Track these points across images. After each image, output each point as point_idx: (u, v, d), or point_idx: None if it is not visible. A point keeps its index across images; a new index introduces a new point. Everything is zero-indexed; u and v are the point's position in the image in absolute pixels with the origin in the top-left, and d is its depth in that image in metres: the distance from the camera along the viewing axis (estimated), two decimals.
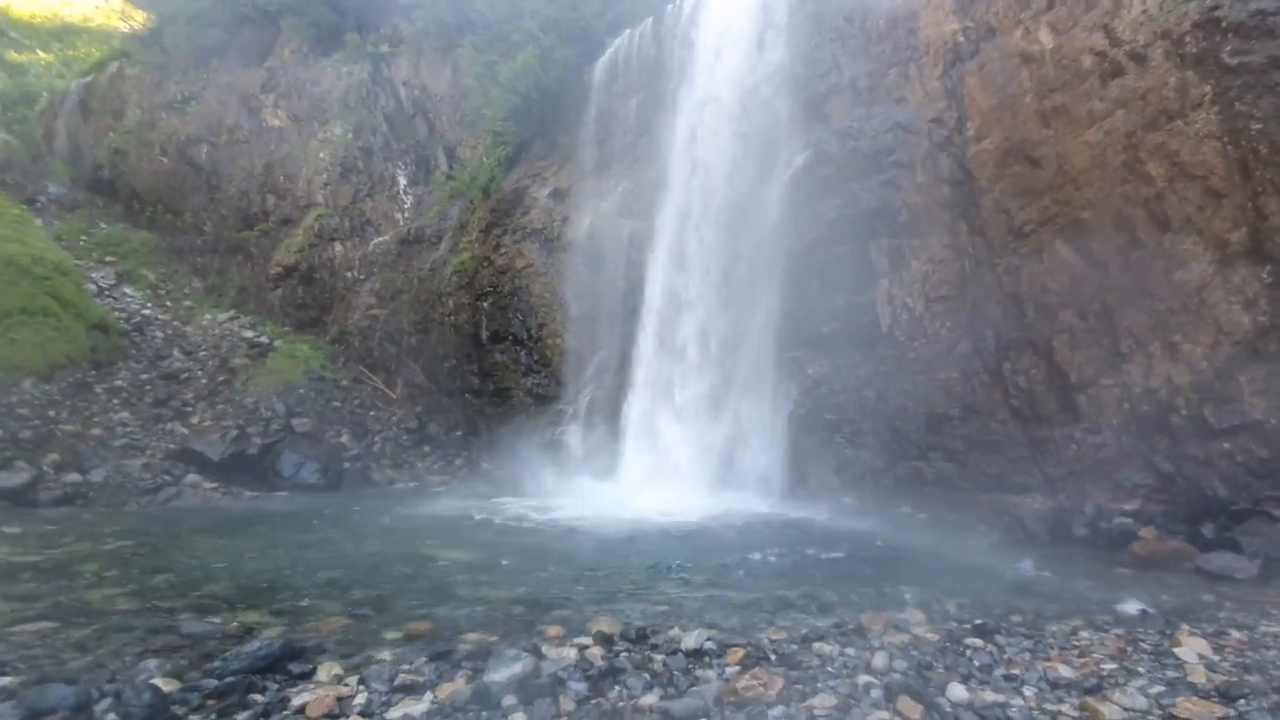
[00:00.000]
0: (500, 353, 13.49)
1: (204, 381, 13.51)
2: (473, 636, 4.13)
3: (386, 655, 3.81)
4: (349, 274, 16.37)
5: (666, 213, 11.28)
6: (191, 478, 10.77)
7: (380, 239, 16.41)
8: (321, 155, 17.12)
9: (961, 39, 9.27)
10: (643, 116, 12.45)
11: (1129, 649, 3.93)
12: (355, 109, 17.34)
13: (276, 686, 3.33)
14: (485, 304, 13.72)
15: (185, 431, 11.99)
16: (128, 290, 16.04)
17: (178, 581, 5.52)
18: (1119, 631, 4.22)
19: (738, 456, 9.72)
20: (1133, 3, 7.71)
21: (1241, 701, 3.17)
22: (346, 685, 3.35)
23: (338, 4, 18.03)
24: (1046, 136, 8.46)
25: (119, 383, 12.75)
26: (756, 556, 6.36)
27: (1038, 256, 8.54)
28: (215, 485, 10.73)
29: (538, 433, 12.22)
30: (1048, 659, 3.79)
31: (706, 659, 3.74)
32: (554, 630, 4.21)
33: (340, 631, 4.29)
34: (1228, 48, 6.99)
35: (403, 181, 17.10)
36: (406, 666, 3.58)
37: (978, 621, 4.38)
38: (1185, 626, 4.22)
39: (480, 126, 15.67)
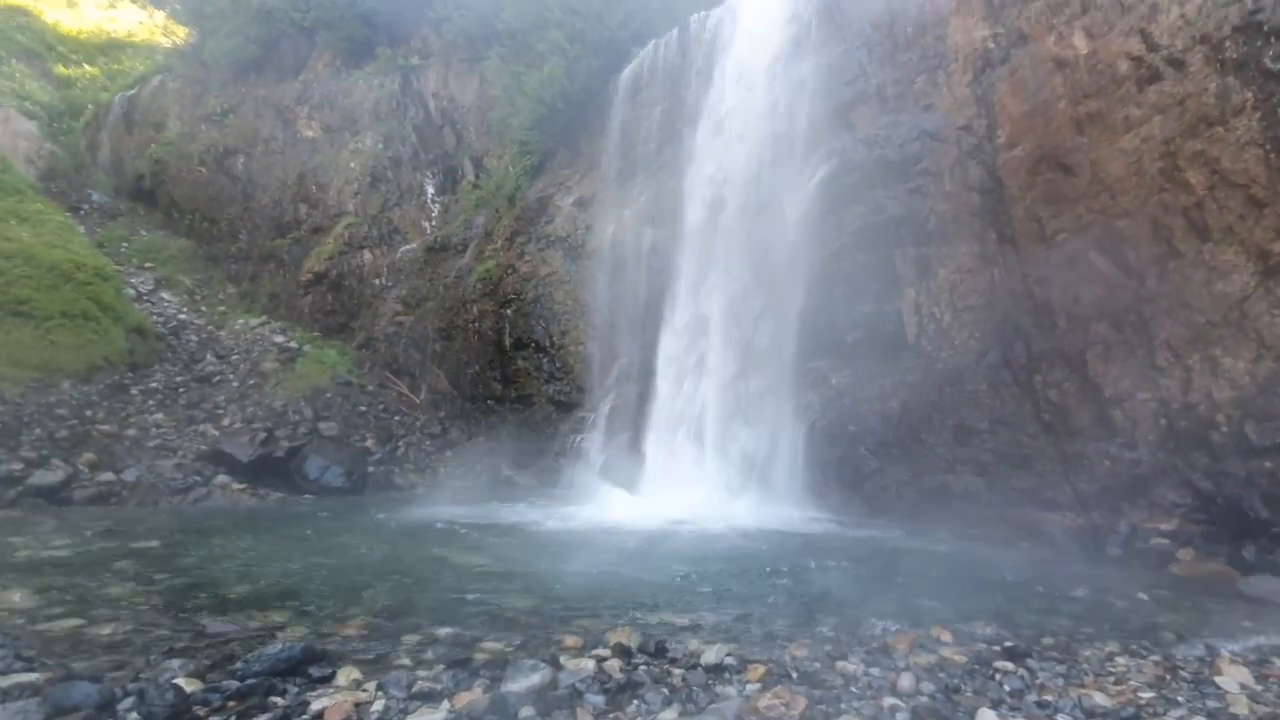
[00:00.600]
0: (523, 359, 13.56)
1: (235, 385, 13.82)
2: (491, 645, 4.12)
3: (405, 661, 3.82)
4: (377, 281, 16.65)
5: (690, 221, 11.26)
6: (221, 478, 10.99)
7: (408, 247, 16.67)
8: (352, 165, 17.48)
9: (992, 45, 9.12)
10: (667, 125, 12.47)
11: (1168, 676, 3.77)
12: (385, 120, 17.68)
13: (296, 690, 3.35)
14: (509, 311, 13.82)
15: (216, 433, 12.25)
16: (165, 295, 16.52)
17: (204, 581, 5.62)
18: (1157, 658, 4.05)
19: (760, 467, 9.61)
20: (1170, 7, 7.50)
21: None
22: (365, 691, 3.36)
23: (370, 19, 18.45)
24: (1080, 144, 8.26)
25: (154, 385, 13.10)
26: (778, 569, 6.26)
27: (1071, 266, 8.32)
28: (243, 486, 10.93)
29: (558, 439, 12.25)
30: (1082, 685, 3.65)
31: (727, 675, 3.68)
32: (572, 640, 4.18)
33: (360, 636, 4.32)
34: (1270, 52, 6.76)
35: (430, 191, 17.37)
36: (424, 674, 3.58)
37: (1008, 643, 4.24)
38: (1226, 654, 4.04)
39: (506, 136, 15.86)
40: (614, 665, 3.76)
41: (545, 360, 13.28)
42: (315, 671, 3.53)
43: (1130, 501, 7.52)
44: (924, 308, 9.56)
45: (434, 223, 17.11)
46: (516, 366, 13.63)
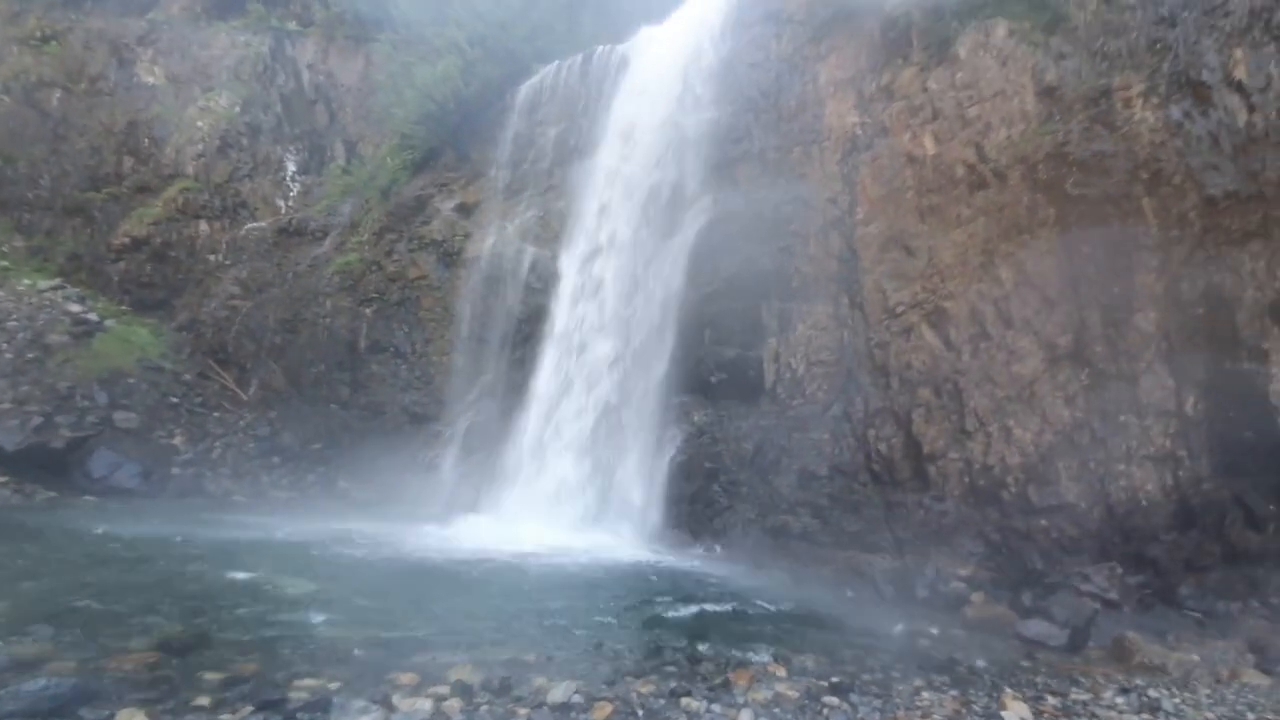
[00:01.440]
0: (378, 364, 12.65)
1: (9, 357, 11.47)
2: (311, 683, 3.68)
3: (203, 701, 3.31)
4: (212, 257, 14.79)
5: (575, 247, 11.27)
6: None
7: (255, 224, 15.02)
8: (200, 124, 15.54)
9: (859, 132, 10.18)
10: (561, 147, 12.47)
11: (963, 710, 4.22)
12: (247, 82, 15.98)
13: None
14: (368, 310, 12.88)
15: None
16: None
17: None
18: (955, 693, 4.54)
19: (618, 497, 9.65)
20: (1000, 128, 8.86)
21: None
22: None
23: None
24: (922, 230, 9.42)
25: None
26: (630, 602, 6.26)
27: (906, 335, 9.38)
28: (4, 480, 9.08)
29: (409, 454, 11.49)
30: (895, 718, 3.98)
31: (573, 714, 3.58)
32: (407, 678, 3.86)
33: (147, 670, 3.68)
34: (1072, 179, 8.20)
35: (291, 167, 15.87)
36: (228, 717, 3.11)
37: (834, 679, 4.55)
38: (1009, 690, 4.62)
39: (388, 126, 14.97)
40: (453, 705, 3.52)
41: (404, 367, 12.49)
42: (88, 714, 2.96)
43: (936, 548, 8.48)
44: (782, 358, 10.26)
45: (291, 202, 15.61)
46: (370, 371, 12.67)
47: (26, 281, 13.67)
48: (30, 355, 11.67)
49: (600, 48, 12.59)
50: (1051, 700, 4.44)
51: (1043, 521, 7.97)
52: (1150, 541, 7.55)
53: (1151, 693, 4.66)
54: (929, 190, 9.45)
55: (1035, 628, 6.07)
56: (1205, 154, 7.74)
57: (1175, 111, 7.84)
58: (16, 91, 15.99)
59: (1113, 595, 6.63)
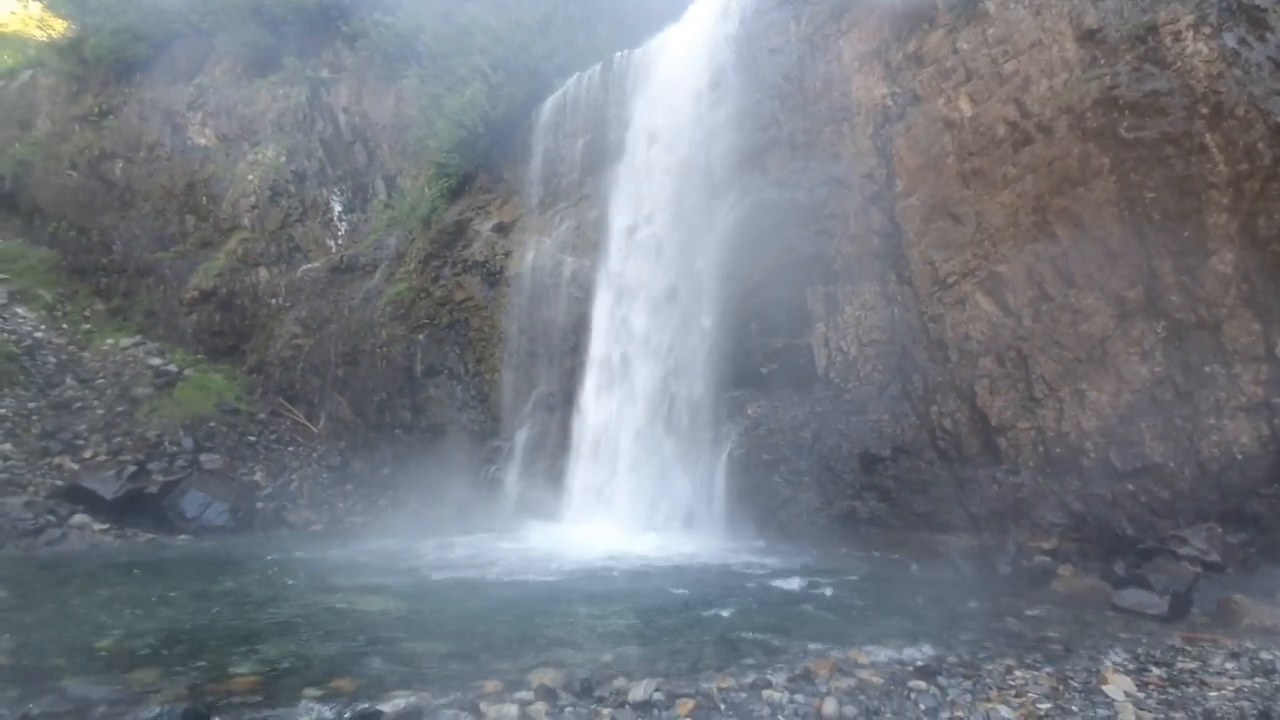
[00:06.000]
0: (435, 387, 13.05)
1: (100, 412, 12.37)
2: (402, 694, 3.83)
3: (306, 718, 3.47)
4: (273, 301, 15.55)
5: (612, 253, 11.36)
6: (79, 518, 9.74)
7: (309, 266, 15.73)
8: (250, 177, 16.39)
9: (890, 103, 9.91)
10: (589, 157, 12.60)
11: (1061, 687, 4.05)
12: (290, 132, 16.76)
13: None
14: (421, 336, 13.30)
15: (75, 467, 10.89)
16: (20, 310, 14.64)
17: (61, 636, 4.91)
18: (1050, 669, 4.35)
19: (680, 496, 9.66)
20: (1040, 79, 8.48)
21: None
22: None
23: (277, 27, 17.57)
24: (966, 196, 9.09)
25: (2, 411, 11.51)
26: (701, 599, 6.26)
27: (960, 306, 9.06)
28: (106, 527, 9.74)
29: (472, 470, 11.80)
30: (988, 699, 3.85)
31: (656, 711, 3.60)
32: (492, 685, 3.96)
33: (251, 693, 3.90)
34: (1124, 124, 7.77)
35: (337, 208, 16.55)
36: None
37: (919, 663, 4.43)
38: (1109, 664, 4.40)
39: (423, 157, 15.44)
40: (538, 709, 3.59)
41: (459, 388, 12.84)
42: None
43: (1015, 522, 8.14)
44: (832, 342, 10.07)
45: (340, 241, 16.28)
46: (428, 394, 13.08)
47: (110, 341, 14.71)
48: (120, 408, 12.55)
49: (619, 53, 12.68)
50: (1156, 671, 4.20)
51: (1129, 486, 7.56)
52: (1250, 497, 7.05)
53: (1264, 655, 4.35)
54: (970, 153, 9.11)
55: (1132, 597, 5.74)
56: (1268, 81, 7.22)
57: (1230, 40, 7.34)
58: (83, 166, 17.26)
59: (1214, 557, 6.22)
